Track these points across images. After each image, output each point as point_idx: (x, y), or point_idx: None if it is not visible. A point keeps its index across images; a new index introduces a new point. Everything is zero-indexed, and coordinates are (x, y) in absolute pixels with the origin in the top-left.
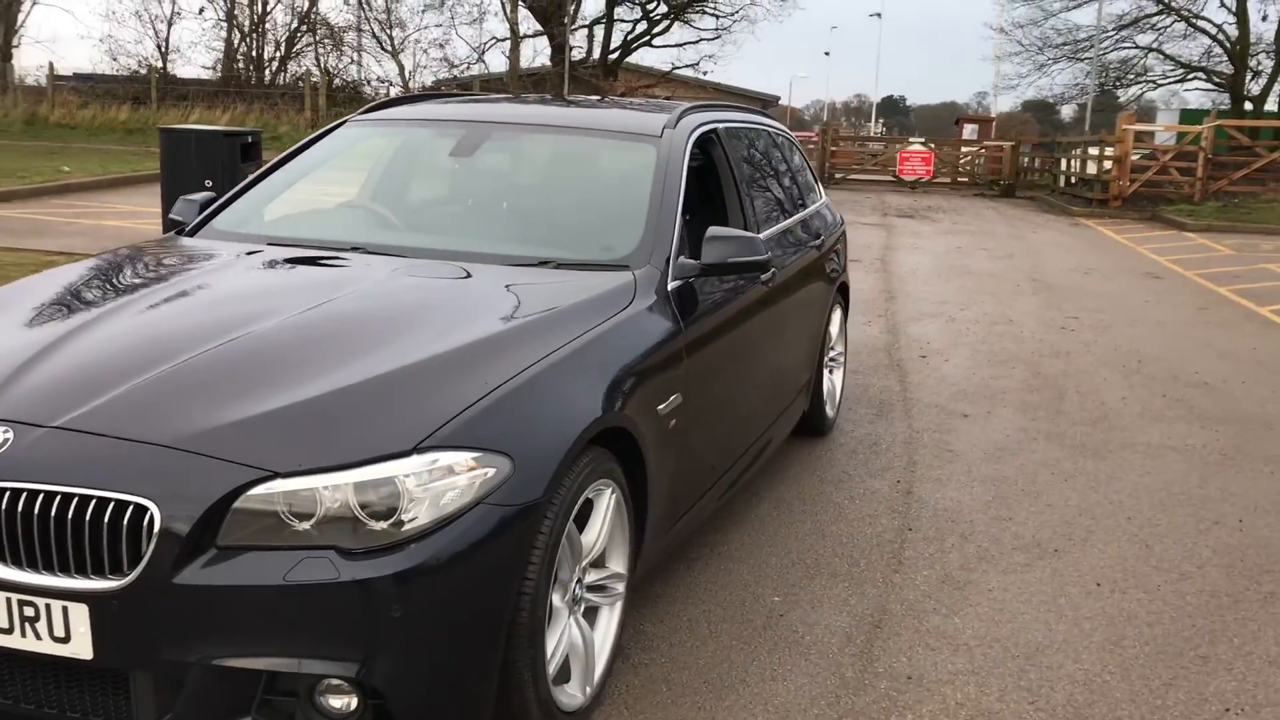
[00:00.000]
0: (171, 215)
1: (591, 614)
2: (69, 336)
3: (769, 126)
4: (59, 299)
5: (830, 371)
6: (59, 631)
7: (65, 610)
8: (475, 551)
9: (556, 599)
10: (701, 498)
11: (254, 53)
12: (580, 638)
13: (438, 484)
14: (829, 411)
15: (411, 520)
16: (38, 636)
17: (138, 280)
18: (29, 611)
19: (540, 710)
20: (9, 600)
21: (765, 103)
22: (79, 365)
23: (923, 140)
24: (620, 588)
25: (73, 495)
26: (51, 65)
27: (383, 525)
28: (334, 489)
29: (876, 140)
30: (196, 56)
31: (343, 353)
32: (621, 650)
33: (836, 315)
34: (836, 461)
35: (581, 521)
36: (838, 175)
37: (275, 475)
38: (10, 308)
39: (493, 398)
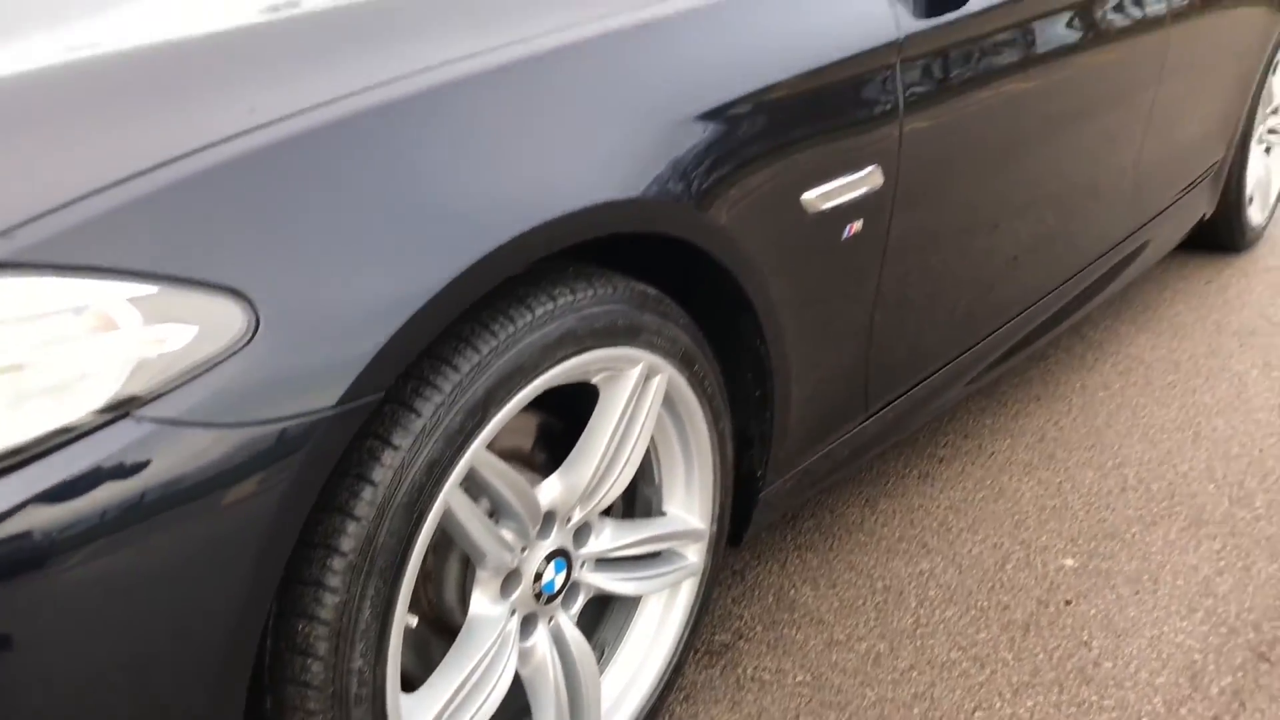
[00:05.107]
0: None
1: (605, 608)
2: None
3: None
4: None
5: (1268, 151)
6: None
7: None
8: (116, 545)
9: (484, 602)
10: (935, 374)
11: None
12: (553, 665)
13: None
14: (1254, 216)
15: None
16: None
17: None
18: None
19: None
20: None
21: None
22: None
23: None
24: (691, 557)
25: None
26: None
27: None
28: None
29: None
30: None
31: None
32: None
33: None
34: (1253, 298)
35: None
36: None
37: None
38: None
39: (205, 160)
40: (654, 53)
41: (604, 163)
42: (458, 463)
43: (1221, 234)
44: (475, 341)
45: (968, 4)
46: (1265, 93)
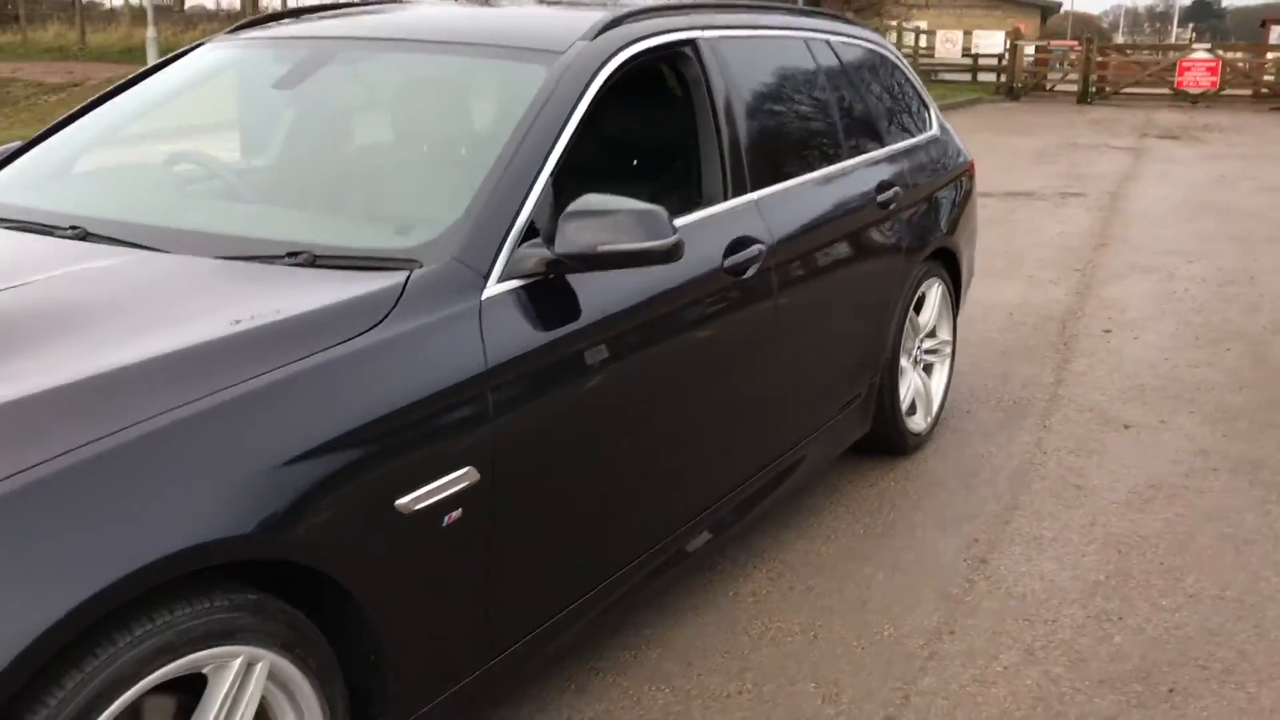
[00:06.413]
0: None
1: None
2: None
3: (821, 32)
4: None
5: (927, 371)
6: None
7: None
8: None
9: None
10: (568, 609)
11: None
12: None
13: None
14: (916, 425)
15: None
16: None
17: None
18: None
19: None
20: None
21: (1045, 10)
22: None
23: (1208, 47)
24: None
25: None
26: None
27: None
28: None
29: (1150, 48)
30: None
31: None
32: None
33: (934, 294)
34: (903, 501)
35: None
36: (1106, 90)
37: None
38: None
39: None
40: (253, 417)
41: (207, 510)
42: None
43: (887, 442)
44: (80, 662)
45: (549, 323)
46: (910, 326)
